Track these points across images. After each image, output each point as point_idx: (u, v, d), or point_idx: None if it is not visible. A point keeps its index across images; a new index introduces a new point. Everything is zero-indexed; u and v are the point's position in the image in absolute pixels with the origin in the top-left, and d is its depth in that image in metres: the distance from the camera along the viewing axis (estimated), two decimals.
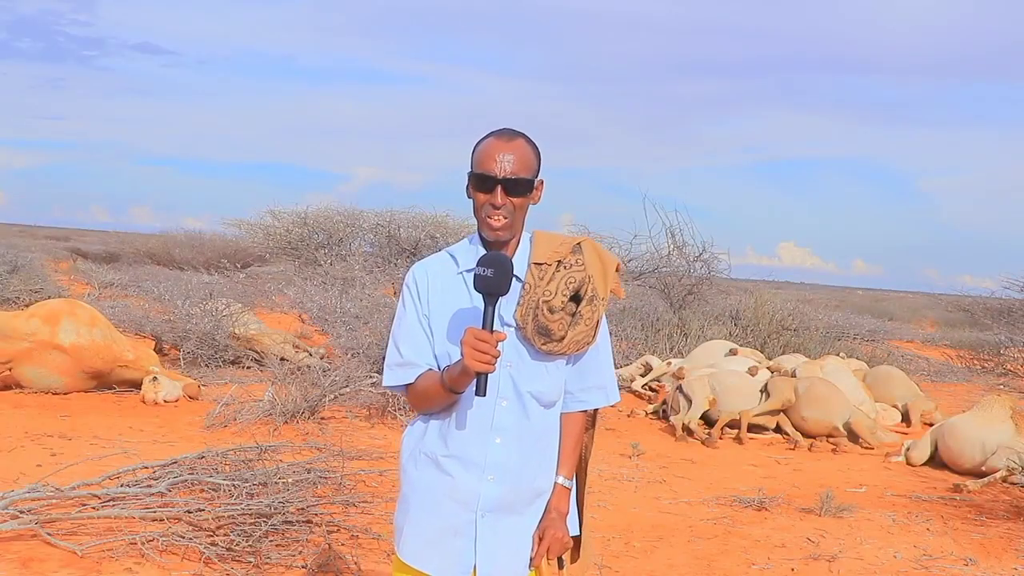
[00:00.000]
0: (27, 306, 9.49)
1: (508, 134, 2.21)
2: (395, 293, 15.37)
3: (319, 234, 21.19)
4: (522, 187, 2.18)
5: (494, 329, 2.09)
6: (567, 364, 2.29)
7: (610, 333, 2.45)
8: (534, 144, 2.24)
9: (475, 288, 2.10)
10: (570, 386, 2.33)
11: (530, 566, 2.27)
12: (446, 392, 2.16)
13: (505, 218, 2.19)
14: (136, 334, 10.92)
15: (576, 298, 2.24)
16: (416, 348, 2.24)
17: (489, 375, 2.08)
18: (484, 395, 2.09)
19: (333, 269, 17.52)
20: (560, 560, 2.30)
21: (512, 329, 2.22)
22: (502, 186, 2.16)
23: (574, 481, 2.35)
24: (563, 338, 2.21)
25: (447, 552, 2.22)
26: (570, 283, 2.23)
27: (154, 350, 9.51)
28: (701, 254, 15.00)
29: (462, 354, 2.06)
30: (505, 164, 2.16)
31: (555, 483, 2.31)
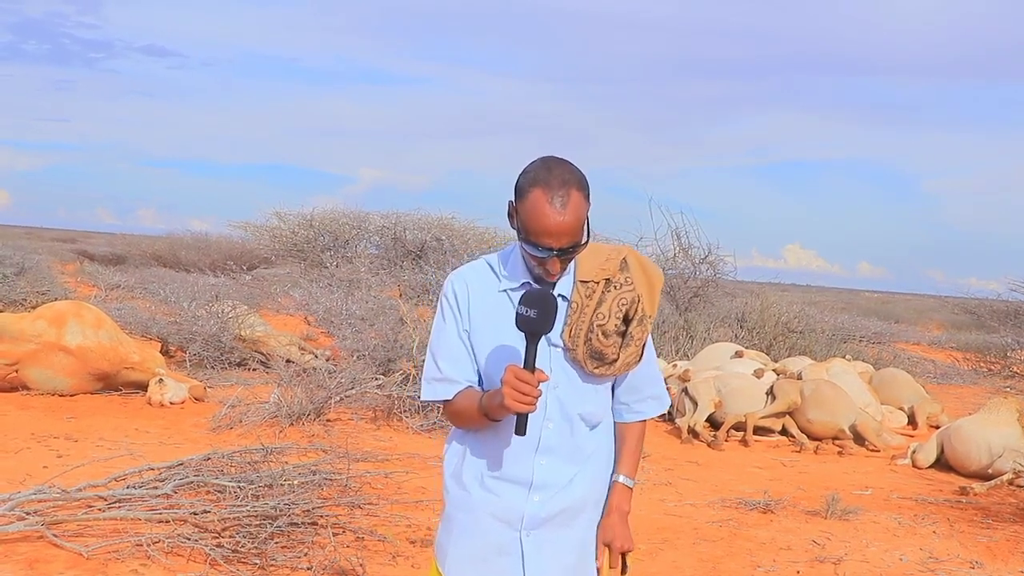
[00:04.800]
0: (34, 308, 9.52)
1: (560, 189, 2.01)
2: (400, 295, 15.39)
3: (325, 236, 21.24)
4: (578, 249, 2.08)
5: (536, 367, 2.01)
6: (612, 382, 2.26)
7: None
8: (584, 184, 2.06)
9: (517, 327, 2.02)
10: (625, 399, 2.29)
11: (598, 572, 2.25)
12: (483, 418, 2.11)
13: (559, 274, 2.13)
14: (142, 336, 10.93)
15: (626, 319, 2.17)
16: (456, 364, 2.17)
17: (529, 414, 2.02)
18: (524, 434, 2.03)
19: (339, 271, 17.57)
20: (624, 565, 2.27)
21: (559, 350, 2.16)
22: (558, 255, 2.05)
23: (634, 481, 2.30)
24: (615, 361, 2.17)
25: (494, 571, 2.18)
26: (622, 304, 2.16)
27: (160, 352, 9.53)
28: (707, 256, 14.97)
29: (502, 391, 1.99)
30: (563, 238, 2.02)
31: (615, 481, 2.27)
